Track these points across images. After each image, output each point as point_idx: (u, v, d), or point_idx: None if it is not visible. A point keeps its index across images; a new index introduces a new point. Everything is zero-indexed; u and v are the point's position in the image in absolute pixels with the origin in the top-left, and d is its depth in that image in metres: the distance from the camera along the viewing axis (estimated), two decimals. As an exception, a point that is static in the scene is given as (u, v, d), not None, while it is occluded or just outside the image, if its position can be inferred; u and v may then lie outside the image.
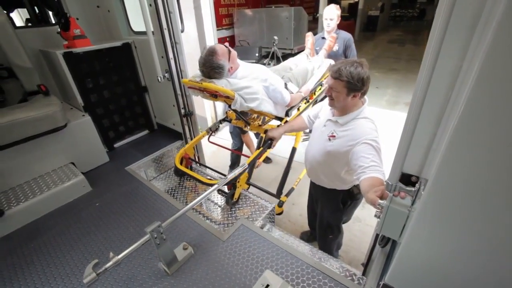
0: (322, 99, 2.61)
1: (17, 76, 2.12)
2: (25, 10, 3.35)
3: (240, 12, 6.61)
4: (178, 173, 2.34)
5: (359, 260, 2.22)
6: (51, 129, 1.98)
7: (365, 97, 1.53)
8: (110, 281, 1.33)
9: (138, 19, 2.68)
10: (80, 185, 2.04)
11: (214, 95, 1.71)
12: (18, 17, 3.83)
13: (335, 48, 2.89)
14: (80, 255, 1.51)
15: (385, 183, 0.95)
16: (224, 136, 4.06)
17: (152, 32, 2.16)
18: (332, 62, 2.61)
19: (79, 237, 1.63)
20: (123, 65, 2.64)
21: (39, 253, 1.55)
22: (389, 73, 7.28)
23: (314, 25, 7.82)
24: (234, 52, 1.81)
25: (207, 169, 2.42)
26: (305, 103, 2.31)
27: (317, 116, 1.76)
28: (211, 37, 4.23)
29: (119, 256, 1.20)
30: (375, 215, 1.09)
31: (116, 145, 2.75)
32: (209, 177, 2.11)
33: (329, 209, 1.82)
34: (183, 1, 2.43)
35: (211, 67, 1.67)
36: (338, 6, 2.80)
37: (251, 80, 1.78)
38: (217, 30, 5.53)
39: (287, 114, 2.08)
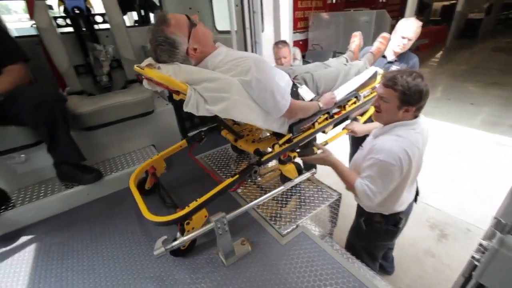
0: (355, 119, 1.90)
1: (123, 66, 2.53)
2: (134, 13, 4.00)
3: (317, 16, 6.48)
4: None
5: (429, 302, 1.89)
6: (142, 113, 2.27)
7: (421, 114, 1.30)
8: (173, 258, 1.44)
9: (221, 19, 2.88)
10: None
11: (176, 91, 1.12)
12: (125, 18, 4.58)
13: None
14: (151, 227, 1.67)
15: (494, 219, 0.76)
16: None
17: (235, 31, 2.27)
18: (379, 70, 1.92)
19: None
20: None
21: (120, 217, 1.78)
22: (489, 87, 6.05)
23: (397, 29, 7.11)
24: (202, 29, 1.23)
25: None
26: (325, 119, 1.62)
27: None
28: (288, 40, 4.25)
29: (185, 238, 1.29)
30: (472, 257, 0.88)
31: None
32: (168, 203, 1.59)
33: (353, 223, 1.75)
34: (264, 2, 2.49)
35: (156, 42, 1.15)
36: (420, 23, 2.05)
37: (225, 72, 1.19)
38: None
39: (291, 131, 1.44)
